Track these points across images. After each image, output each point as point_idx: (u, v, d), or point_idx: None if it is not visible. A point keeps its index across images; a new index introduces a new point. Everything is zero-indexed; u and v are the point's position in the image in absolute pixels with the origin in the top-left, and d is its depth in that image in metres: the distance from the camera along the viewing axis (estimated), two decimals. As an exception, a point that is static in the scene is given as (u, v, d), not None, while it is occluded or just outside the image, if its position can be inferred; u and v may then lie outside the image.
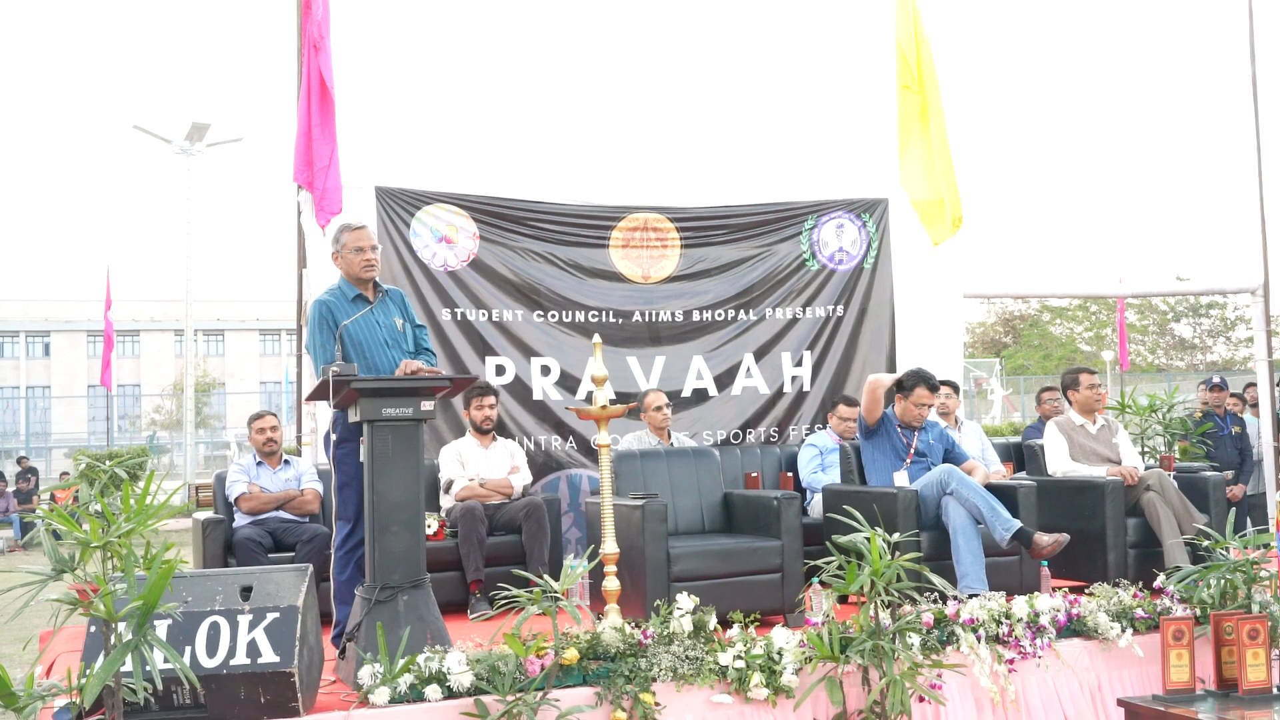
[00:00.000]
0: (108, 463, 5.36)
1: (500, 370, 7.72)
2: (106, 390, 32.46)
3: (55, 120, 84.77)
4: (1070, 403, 7.10)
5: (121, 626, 3.34)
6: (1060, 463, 6.84)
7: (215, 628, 3.92)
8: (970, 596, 5.14)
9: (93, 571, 3.47)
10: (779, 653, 4.46)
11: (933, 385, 6.50)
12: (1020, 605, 4.92)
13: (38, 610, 3.33)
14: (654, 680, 4.30)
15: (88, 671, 3.57)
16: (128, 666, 3.27)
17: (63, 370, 57.56)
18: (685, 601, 4.52)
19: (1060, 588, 5.81)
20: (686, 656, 4.38)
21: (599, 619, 4.71)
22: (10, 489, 18.91)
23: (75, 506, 3.69)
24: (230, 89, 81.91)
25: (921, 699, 4.46)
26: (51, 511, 3.57)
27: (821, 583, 4.79)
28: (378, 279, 5.41)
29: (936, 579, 4.56)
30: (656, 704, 4.26)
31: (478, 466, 6.91)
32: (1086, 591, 5.31)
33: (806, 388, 8.33)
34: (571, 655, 4.21)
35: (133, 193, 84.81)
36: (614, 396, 5.30)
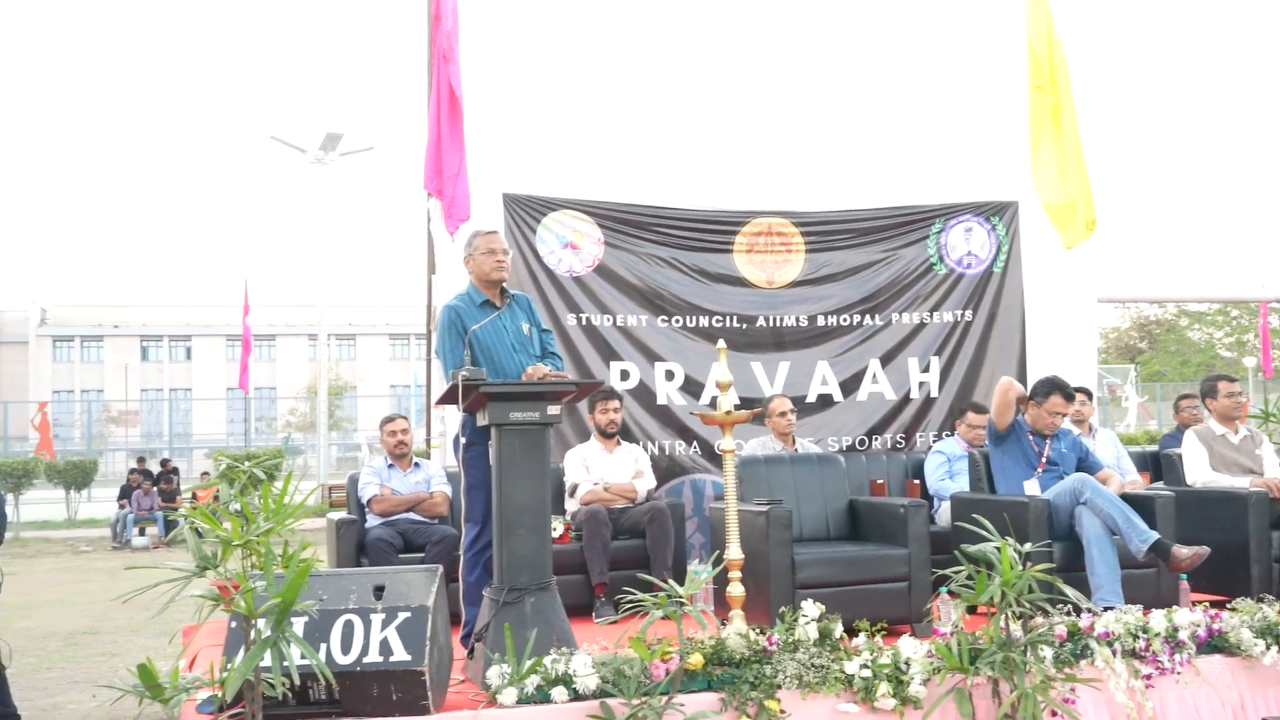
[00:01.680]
0: (246, 463, 5.50)
1: (625, 375, 7.77)
2: (244, 393, 33.57)
3: (197, 133, 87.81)
4: (1209, 411, 6.87)
5: (261, 623, 3.44)
6: (1200, 473, 6.62)
7: (349, 625, 4.01)
8: (1105, 609, 4.99)
9: (233, 569, 3.58)
10: (906, 662, 4.40)
11: (1068, 394, 6.34)
12: (1158, 619, 4.77)
13: (182, 605, 3.45)
14: (779, 687, 4.28)
15: (229, 666, 3.68)
16: (266, 662, 3.37)
17: (203, 374, 59.64)
18: (811, 609, 4.49)
19: (1200, 602, 5.61)
20: (812, 664, 4.34)
21: (724, 625, 4.69)
22: (155, 488, 19.57)
23: (216, 505, 3.80)
24: (362, 99, 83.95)
25: (1054, 713, 4.35)
26: (194, 510, 3.69)
27: (950, 592, 4.71)
28: (505, 285, 5.49)
29: (1070, 590, 4.44)
30: (782, 711, 4.24)
31: (602, 470, 6.96)
32: (1228, 607, 5.13)
33: (934, 394, 8.21)
34: (696, 660, 4.21)
35: (269, 201, 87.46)
36: (738, 402, 5.28)
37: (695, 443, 7.80)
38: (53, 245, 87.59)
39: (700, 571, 4.46)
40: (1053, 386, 6.31)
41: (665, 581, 4.13)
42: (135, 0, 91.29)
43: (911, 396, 8.17)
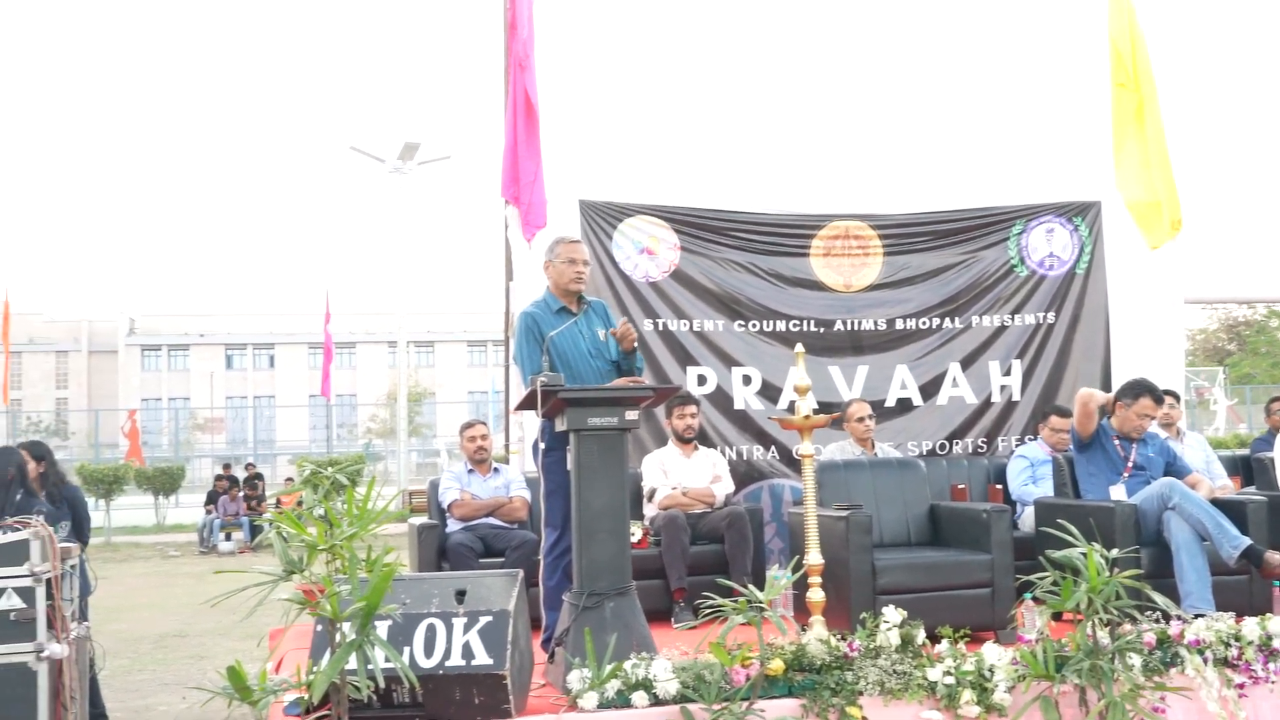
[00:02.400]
0: (329, 469, 5.59)
1: (702, 380, 7.76)
2: (326, 400, 34.11)
3: (279, 145, 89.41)
4: (1302, 413, 6.70)
5: (346, 626, 3.49)
6: (1293, 477, 6.46)
7: (432, 629, 4.06)
8: (1195, 616, 4.88)
9: (319, 573, 3.63)
10: (990, 669, 4.35)
11: (1158, 396, 6.22)
12: (1251, 627, 4.65)
13: (269, 609, 3.51)
14: (860, 693, 4.25)
15: (315, 668, 3.74)
16: (351, 664, 3.42)
17: (286, 381, 60.63)
18: (892, 614, 4.45)
19: (1295, 609, 5.47)
20: (894, 671, 4.31)
21: (804, 630, 4.67)
22: (240, 493, 19.92)
23: (300, 510, 3.86)
24: (440, 109, 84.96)
25: (1143, 722, 4.27)
26: (280, 515, 3.75)
27: (1034, 599, 4.64)
28: (582, 291, 5.52)
29: (1159, 597, 4.36)
30: (864, 717, 4.20)
31: (680, 475, 6.96)
32: (1324, 614, 4.99)
33: (1016, 397, 8.09)
34: (777, 666, 4.19)
35: (350, 211, 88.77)
36: (816, 406, 5.25)
37: (773, 447, 7.77)
38: (141, 257, 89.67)
39: (780, 577, 4.46)
40: (1142, 389, 6.19)
41: (745, 586, 4.12)
42: (217, 17, 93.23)
43: (993, 400, 8.07)
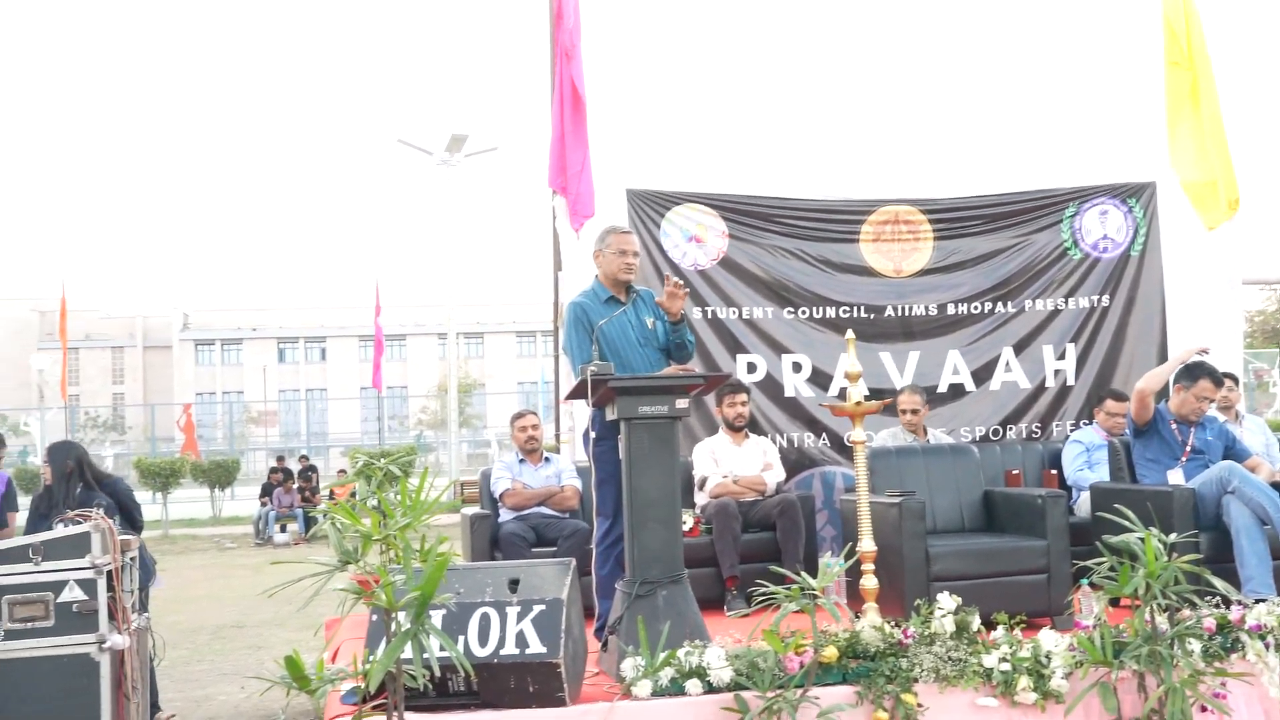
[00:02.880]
0: (382, 460, 5.64)
1: (751, 368, 7.74)
2: (377, 392, 34.39)
3: (328, 139, 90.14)
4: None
5: (401, 616, 3.52)
6: (1357, 459, 6.35)
7: (486, 618, 4.09)
8: (1256, 601, 4.82)
9: (373, 563, 3.67)
10: (1047, 656, 4.32)
11: (1217, 378, 6.14)
12: (1314, 612, 4.58)
13: (324, 599, 3.55)
14: (916, 680, 4.23)
15: (371, 657, 3.78)
16: (407, 653, 3.45)
17: (338, 373, 61.20)
18: (947, 601, 4.43)
19: (1359, 594, 5.38)
20: (949, 657, 4.29)
21: (857, 618, 4.66)
22: (295, 485, 20.10)
23: (354, 502, 3.90)
24: (486, 100, 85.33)
25: (1204, 708, 4.22)
26: (334, 507, 3.78)
27: (1091, 584, 4.59)
28: (632, 281, 5.53)
29: (1218, 582, 4.30)
30: (919, 705, 4.19)
31: (731, 464, 6.95)
32: (1390, 598, 4.90)
33: (1070, 382, 8.01)
34: (831, 653, 4.18)
35: (398, 204, 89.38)
36: (867, 393, 5.23)
37: (824, 435, 7.74)
38: (194, 252, 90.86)
39: (832, 564, 4.45)
40: (1201, 371, 6.11)
41: (797, 574, 4.12)
42: (267, 14, 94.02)
43: (1047, 385, 7.99)
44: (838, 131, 7.80)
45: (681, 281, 5.29)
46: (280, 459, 22.48)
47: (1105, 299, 8.10)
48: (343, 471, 22.22)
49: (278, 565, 3.56)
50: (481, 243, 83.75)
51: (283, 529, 19.03)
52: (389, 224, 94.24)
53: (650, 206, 7.74)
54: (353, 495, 4.75)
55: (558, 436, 8.17)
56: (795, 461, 7.62)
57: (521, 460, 7.10)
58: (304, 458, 23.32)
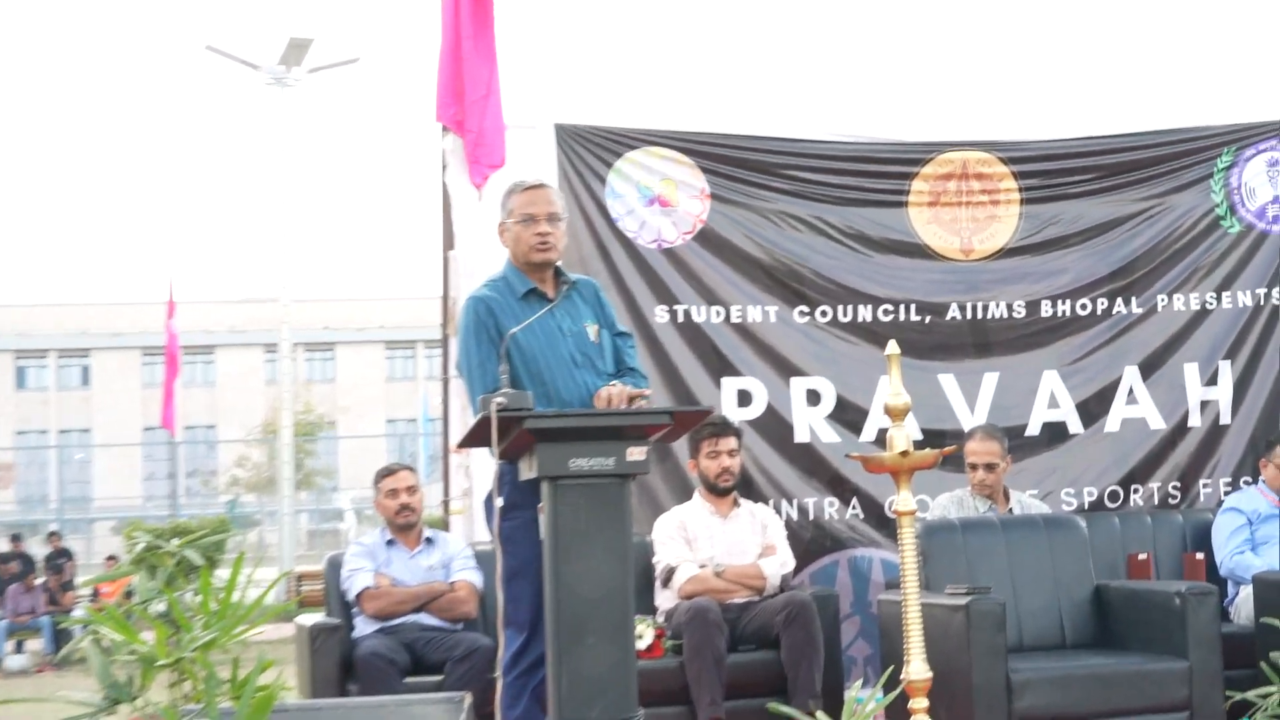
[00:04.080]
0: (174, 541, 5.58)
1: (745, 398, 7.75)
2: (169, 435, 34.07)
3: (94, 38, 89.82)
4: None
5: (201, 786, 3.48)
6: None
7: (333, 787, 4.05)
8: None
9: (158, 701, 3.62)
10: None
11: None
12: None
13: (85, 758, 3.51)
14: None
15: None
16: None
17: (108, 406, 59.94)
18: (1039, 755, 4.43)
19: None
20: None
21: (903, 780, 4.66)
22: (39, 580, 19.85)
23: (131, 606, 3.85)
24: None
25: None
26: (98, 614, 3.73)
27: (1257, 726, 4.63)
28: (560, 265, 5.50)
29: None
30: None
31: (712, 546, 6.94)
32: None
33: (1225, 419, 8.08)
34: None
35: (205, 144, 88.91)
36: (920, 436, 5.25)
37: (855, 500, 7.76)
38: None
39: (865, 699, 4.43)
40: None
41: (812, 715, 4.10)
42: None
43: (1190, 424, 8.06)
44: (872, 41, 7.84)
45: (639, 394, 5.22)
46: (16, 539, 22.26)
47: (1276, 294, 8.18)
48: (113, 558, 22.07)
49: (9, 705, 3.51)
50: (333, 205, 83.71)
51: (19, 647, 18.84)
52: (191, 176, 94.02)
53: (591, 151, 7.73)
54: (127, 595, 4.70)
55: (446, 505, 8.14)
56: (811, 541, 7.64)
57: (390, 542, 7.07)
58: (54, 536, 23.12)
